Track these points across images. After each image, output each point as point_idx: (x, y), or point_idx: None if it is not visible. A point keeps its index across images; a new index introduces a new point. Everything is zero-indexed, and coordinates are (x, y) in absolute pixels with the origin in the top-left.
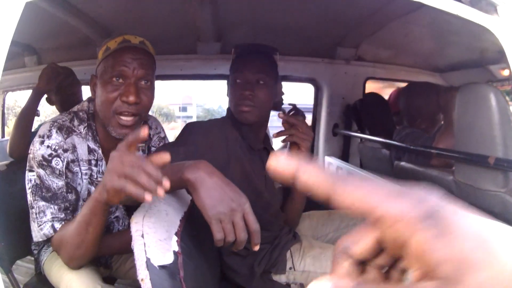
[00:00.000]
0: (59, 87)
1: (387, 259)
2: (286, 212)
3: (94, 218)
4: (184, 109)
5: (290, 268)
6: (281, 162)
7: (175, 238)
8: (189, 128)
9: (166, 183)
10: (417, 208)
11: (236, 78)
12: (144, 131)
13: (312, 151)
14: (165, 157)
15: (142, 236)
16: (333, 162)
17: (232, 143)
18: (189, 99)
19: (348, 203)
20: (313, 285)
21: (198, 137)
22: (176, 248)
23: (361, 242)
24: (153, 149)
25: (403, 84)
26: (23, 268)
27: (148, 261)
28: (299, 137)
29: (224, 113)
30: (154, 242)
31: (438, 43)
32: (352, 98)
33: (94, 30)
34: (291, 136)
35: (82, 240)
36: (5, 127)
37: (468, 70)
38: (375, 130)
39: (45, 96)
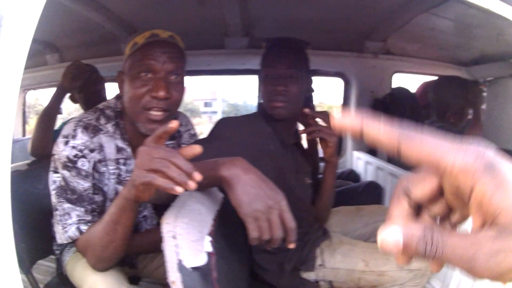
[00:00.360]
0: (83, 85)
1: (443, 208)
2: (316, 207)
3: (123, 216)
4: (209, 104)
5: (320, 265)
6: (349, 119)
7: (208, 238)
8: (221, 124)
9: (197, 176)
10: (479, 160)
11: (268, 73)
12: (173, 123)
13: (340, 146)
14: (196, 149)
15: (174, 237)
16: (361, 157)
17: (265, 138)
18: (214, 94)
19: (415, 156)
20: (382, 231)
21: (230, 132)
22: (210, 249)
23: (422, 186)
24: (183, 146)
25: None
26: (43, 267)
27: (180, 263)
28: (327, 132)
29: (249, 108)
30: (186, 243)
31: (463, 36)
32: (380, 92)
33: (118, 26)
34: (319, 132)
35: (110, 240)
36: (26, 126)
37: (493, 64)
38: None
39: (68, 93)
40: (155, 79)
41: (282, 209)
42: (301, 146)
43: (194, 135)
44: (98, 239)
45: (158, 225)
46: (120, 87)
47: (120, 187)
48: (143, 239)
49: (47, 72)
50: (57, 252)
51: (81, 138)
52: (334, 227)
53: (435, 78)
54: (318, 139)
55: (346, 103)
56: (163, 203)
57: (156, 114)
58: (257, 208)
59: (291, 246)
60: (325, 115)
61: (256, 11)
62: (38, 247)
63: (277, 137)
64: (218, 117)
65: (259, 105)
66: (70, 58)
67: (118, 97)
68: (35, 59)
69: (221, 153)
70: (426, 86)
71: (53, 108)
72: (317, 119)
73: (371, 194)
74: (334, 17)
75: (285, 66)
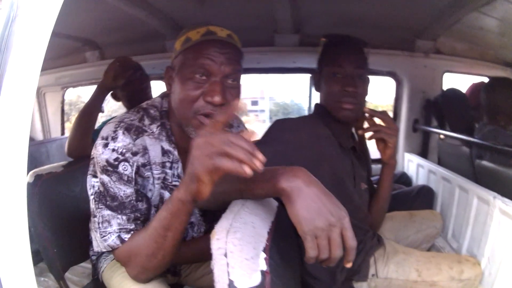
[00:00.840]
0: (126, 82)
1: None
2: (371, 213)
3: (176, 221)
4: (255, 103)
5: (373, 275)
6: None
7: (263, 255)
8: (277, 126)
9: (260, 156)
10: None
11: (335, 72)
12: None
13: None
14: (253, 134)
15: (225, 255)
16: (413, 159)
17: (324, 142)
18: (261, 92)
19: None
20: None
21: (287, 135)
22: (264, 267)
23: None
24: None
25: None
26: (79, 268)
27: (231, 284)
28: (387, 133)
29: (296, 107)
30: (239, 262)
31: (509, 36)
32: (431, 93)
33: (163, 22)
34: (378, 132)
35: (158, 248)
36: (66, 123)
37: None
38: (456, 127)
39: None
40: (211, 83)
41: (344, 227)
42: (356, 149)
43: None
44: (144, 248)
45: (205, 233)
46: (168, 84)
47: (165, 193)
48: (190, 248)
49: (87, 69)
50: (94, 257)
51: (123, 141)
52: (387, 234)
53: (483, 79)
54: (375, 140)
55: (397, 103)
56: (212, 209)
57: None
58: (318, 226)
59: (348, 265)
60: (384, 115)
61: (307, 7)
62: (73, 253)
63: (336, 140)
64: (265, 115)
65: (317, 106)
66: (111, 56)
67: (164, 96)
68: (74, 56)
69: (277, 157)
70: (476, 87)
71: (93, 107)
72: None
73: (423, 199)
74: (386, 14)
75: (354, 65)
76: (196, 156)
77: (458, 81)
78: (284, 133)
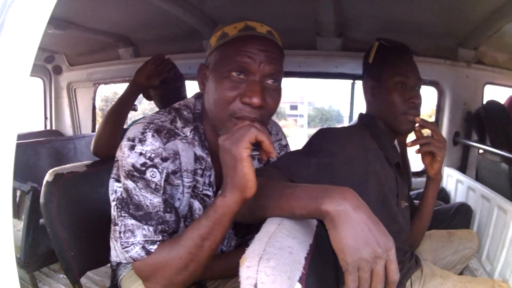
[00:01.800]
0: (160, 82)
1: None
2: (412, 232)
3: (216, 229)
4: (294, 107)
5: None
6: None
7: (298, 286)
8: (322, 135)
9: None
10: None
11: (400, 82)
12: None
13: None
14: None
15: (255, 286)
16: (452, 174)
17: (372, 156)
18: (300, 97)
19: None
20: None
21: (334, 146)
22: None
23: None
24: (272, 159)
25: None
26: (103, 268)
27: None
28: (437, 146)
29: (335, 113)
30: None
31: None
32: (472, 105)
33: (200, 21)
34: (428, 145)
35: (191, 260)
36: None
37: None
38: (496, 142)
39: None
40: (249, 82)
41: (389, 259)
42: (400, 164)
43: (286, 145)
44: (175, 259)
45: (236, 247)
46: (201, 83)
47: (195, 202)
48: (218, 263)
49: (120, 66)
50: (114, 263)
51: (152, 144)
52: (425, 254)
53: None
54: (421, 154)
55: (439, 115)
56: (245, 221)
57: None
58: (363, 257)
59: None
60: (435, 126)
61: (351, 10)
62: (91, 257)
63: (382, 154)
64: (304, 120)
65: (363, 116)
66: (145, 53)
67: (198, 97)
68: (107, 53)
69: (322, 170)
70: None
71: (124, 104)
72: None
73: (462, 217)
74: (429, 20)
75: (418, 76)
76: (226, 147)
77: (496, 93)
78: (330, 144)
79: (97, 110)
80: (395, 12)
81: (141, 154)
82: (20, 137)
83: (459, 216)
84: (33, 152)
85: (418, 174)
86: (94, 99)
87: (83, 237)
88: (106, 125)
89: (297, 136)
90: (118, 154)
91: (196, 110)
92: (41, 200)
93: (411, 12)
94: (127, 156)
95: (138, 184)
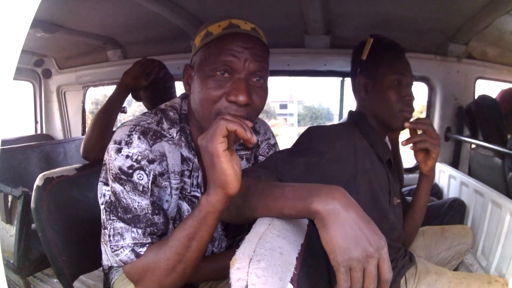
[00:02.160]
0: (150, 82)
1: None
2: (405, 229)
3: (202, 229)
4: (284, 106)
5: None
6: None
7: (290, 287)
8: (311, 134)
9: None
10: None
11: (397, 80)
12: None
13: None
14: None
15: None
16: (445, 170)
17: (361, 153)
18: (290, 96)
19: None
20: None
21: (322, 145)
22: None
23: None
24: (261, 158)
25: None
26: (97, 272)
27: None
28: (432, 143)
29: (325, 111)
30: None
31: None
32: (463, 100)
33: (187, 21)
34: (423, 142)
35: (179, 261)
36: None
37: None
38: (489, 136)
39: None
40: (235, 80)
41: (382, 257)
42: (391, 161)
43: (274, 145)
44: (164, 261)
45: (227, 248)
46: (187, 84)
47: (183, 204)
48: (209, 265)
49: (109, 69)
50: (106, 267)
51: (138, 146)
52: (418, 251)
53: None
54: (414, 151)
55: (430, 111)
56: (234, 222)
57: None
58: (354, 257)
59: None
60: (428, 124)
61: (338, 7)
62: (83, 262)
63: (373, 151)
64: (293, 119)
65: (352, 113)
66: (133, 55)
67: (184, 97)
68: (95, 55)
69: (309, 169)
70: (505, 94)
71: (112, 106)
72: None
73: (455, 213)
74: (419, 15)
75: (410, 73)
76: (203, 146)
77: (488, 88)
78: (319, 142)
79: (87, 113)
80: (382, 8)
81: (127, 156)
82: (10, 141)
83: (453, 212)
84: (24, 157)
85: (410, 170)
86: (83, 102)
87: (75, 241)
88: (95, 127)
89: (287, 135)
90: (106, 157)
91: (183, 111)
92: (32, 205)
93: (399, 8)
94: (114, 159)
95: (125, 187)
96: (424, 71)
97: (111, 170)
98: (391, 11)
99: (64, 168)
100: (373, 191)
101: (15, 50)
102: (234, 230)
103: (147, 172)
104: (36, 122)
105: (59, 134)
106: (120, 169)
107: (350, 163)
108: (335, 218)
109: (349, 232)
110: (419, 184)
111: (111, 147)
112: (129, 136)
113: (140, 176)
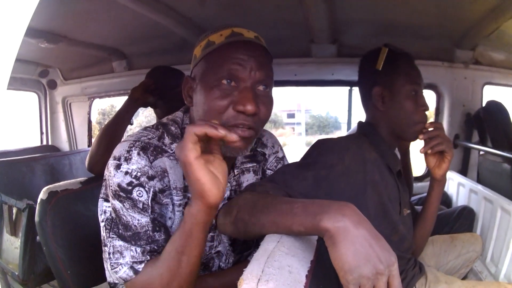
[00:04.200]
0: (169, 94)
1: None
2: (415, 238)
3: (190, 242)
4: (291, 115)
5: None
6: None
7: None
8: (319, 147)
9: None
10: None
11: (414, 90)
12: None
13: None
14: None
15: None
16: (453, 177)
17: (371, 165)
18: (297, 105)
19: None
20: None
21: (331, 158)
22: None
23: None
24: (269, 172)
25: None
26: (103, 284)
27: None
28: (448, 145)
29: (332, 120)
30: None
31: None
32: (471, 106)
33: (192, 32)
34: (440, 144)
35: (173, 276)
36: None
37: None
38: (498, 142)
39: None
40: (241, 89)
41: (392, 274)
42: (401, 172)
43: (282, 158)
44: (158, 277)
45: (234, 264)
46: (188, 97)
47: None
48: (217, 280)
49: (114, 80)
50: (111, 282)
51: (137, 162)
52: (428, 260)
53: None
54: (427, 156)
55: (438, 118)
56: (242, 238)
57: (242, 129)
58: (364, 274)
59: None
60: (439, 129)
61: (344, 14)
62: (88, 276)
63: (383, 163)
64: (301, 128)
65: (362, 124)
66: (138, 66)
67: (186, 111)
68: (101, 66)
69: (318, 183)
70: None
71: (121, 119)
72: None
73: (464, 221)
74: (425, 21)
75: (423, 82)
76: (177, 156)
77: (497, 94)
78: (327, 155)
79: (94, 123)
80: (388, 15)
81: (126, 173)
82: (15, 153)
83: (462, 220)
84: (28, 169)
85: (418, 178)
86: (89, 113)
87: (80, 255)
88: (101, 141)
89: (295, 144)
90: (106, 172)
91: (184, 125)
92: (36, 218)
93: (404, 14)
94: (113, 176)
95: (125, 204)
96: (431, 78)
97: (111, 186)
98: (395, 17)
99: (68, 181)
100: (383, 203)
101: (9, 59)
102: (241, 244)
103: (146, 188)
104: (41, 133)
105: (65, 146)
106: (119, 185)
107: (358, 176)
108: (345, 236)
109: (359, 249)
110: (431, 191)
111: (111, 163)
112: (128, 152)
113: (139, 193)
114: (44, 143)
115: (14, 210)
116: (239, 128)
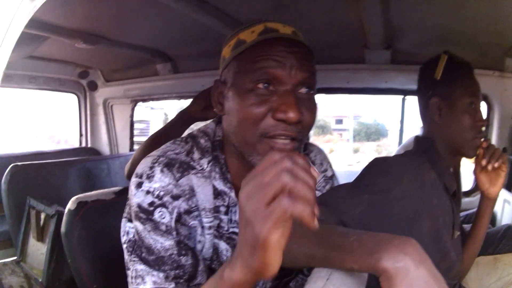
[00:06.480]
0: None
1: None
2: (462, 261)
3: None
4: (339, 121)
5: None
6: None
7: None
8: (375, 167)
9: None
10: None
11: (472, 102)
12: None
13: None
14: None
15: None
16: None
17: (429, 188)
18: (346, 111)
19: None
20: None
21: (388, 180)
22: None
23: None
24: (317, 193)
25: None
26: None
27: None
28: (504, 159)
29: (379, 128)
30: None
31: None
32: None
33: None
34: (501, 158)
35: None
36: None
37: None
38: None
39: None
40: (281, 94)
41: None
42: (456, 193)
43: (332, 177)
44: None
45: None
46: (218, 104)
47: (220, 243)
48: None
49: (158, 83)
50: None
51: (161, 180)
52: (471, 283)
53: None
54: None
55: (488, 130)
56: (285, 266)
57: (284, 142)
58: None
59: None
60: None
61: (400, 19)
62: None
63: (440, 184)
64: (349, 134)
65: (420, 140)
66: (184, 69)
67: (219, 122)
68: (144, 68)
69: (372, 208)
70: None
71: (171, 133)
72: None
73: (508, 241)
74: (478, 28)
75: (481, 97)
76: (247, 213)
77: None
78: (384, 177)
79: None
80: (442, 21)
81: (148, 192)
82: (50, 154)
83: (506, 240)
84: (62, 173)
85: (466, 193)
86: (132, 117)
87: (108, 270)
88: (146, 150)
89: (342, 150)
90: (129, 191)
91: (217, 137)
92: (62, 229)
93: (458, 21)
94: (133, 195)
95: (146, 226)
96: (483, 89)
97: (132, 206)
98: (449, 24)
99: (101, 191)
100: (437, 229)
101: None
102: (281, 270)
103: (170, 209)
104: (81, 135)
105: (105, 149)
106: (139, 206)
107: (415, 200)
108: (404, 277)
109: None
110: (483, 210)
111: (133, 180)
112: (151, 168)
113: (161, 215)
114: (84, 145)
115: (43, 216)
116: (281, 140)
